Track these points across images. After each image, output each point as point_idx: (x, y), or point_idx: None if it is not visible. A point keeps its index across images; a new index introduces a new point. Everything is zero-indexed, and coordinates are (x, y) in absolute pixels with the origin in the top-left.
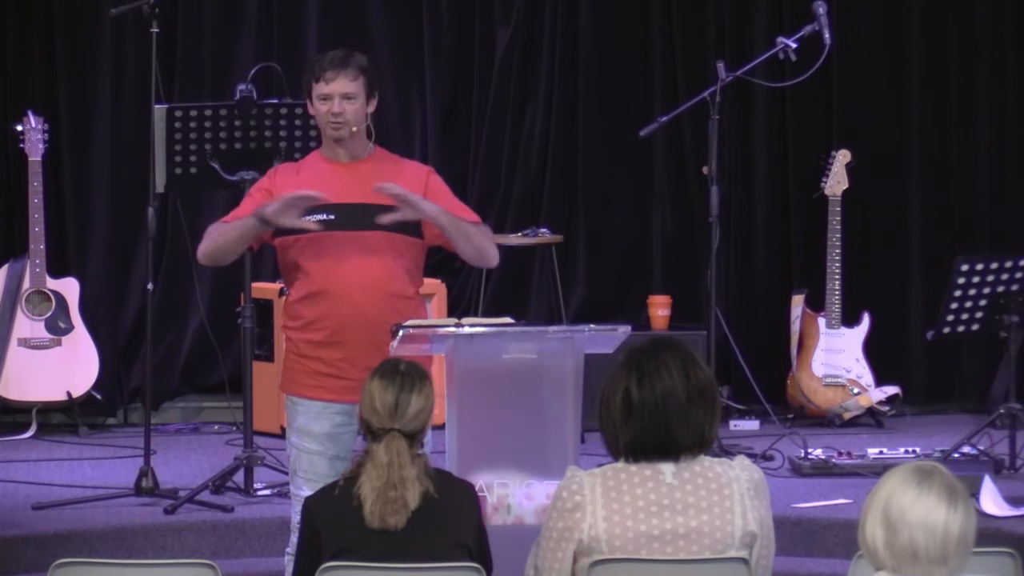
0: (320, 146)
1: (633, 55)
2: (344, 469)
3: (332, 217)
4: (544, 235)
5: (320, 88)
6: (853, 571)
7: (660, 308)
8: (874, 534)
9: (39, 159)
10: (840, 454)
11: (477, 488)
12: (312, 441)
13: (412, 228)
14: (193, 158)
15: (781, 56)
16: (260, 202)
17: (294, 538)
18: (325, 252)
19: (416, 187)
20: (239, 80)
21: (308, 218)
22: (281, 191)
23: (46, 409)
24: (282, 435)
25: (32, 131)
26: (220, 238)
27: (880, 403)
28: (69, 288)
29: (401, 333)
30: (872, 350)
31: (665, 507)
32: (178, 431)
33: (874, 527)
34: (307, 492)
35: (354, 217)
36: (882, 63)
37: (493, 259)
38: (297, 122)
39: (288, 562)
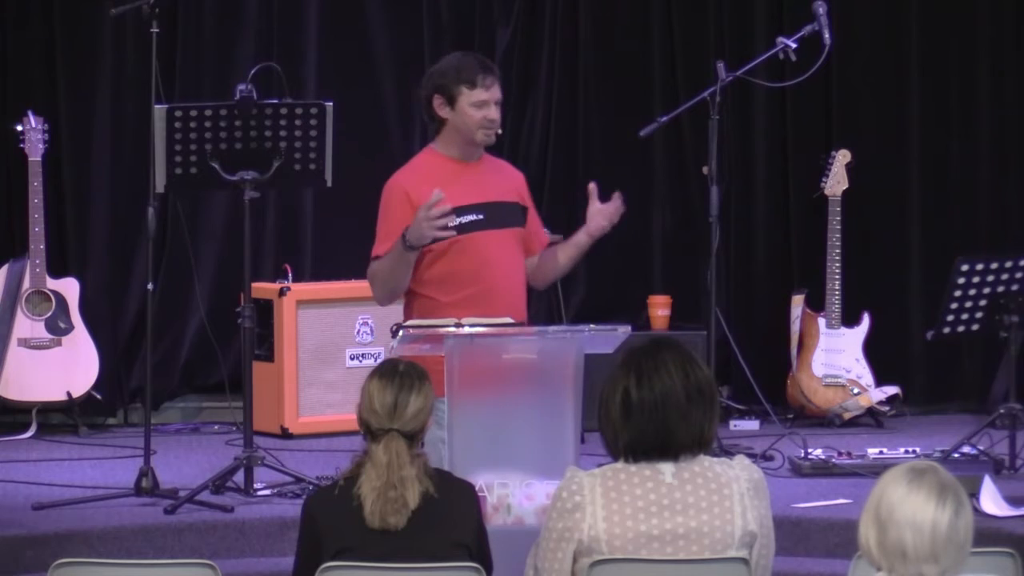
0: (429, 144)
1: (633, 55)
2: None
3: (481, 217)
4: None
5: (478, 95)
6: (853, 571)
7: (660, 308)
8: (867, 534)
9: (39, 159)
10: (840, 454)
11: (477, 488)
12: None
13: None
14: (193, 158)
15: (781, 56)
16: (406, 219)
17: None
18: (478, 253)
19: (520, 184)
20: (239, 80)
21: (459, 219)
22: (421, 198)
23: (46, 409)
24: (282, 435)
25: (32, 131)
26: (385, 280)
27: (880, 403)
28: (69, 288)
29: (401, 333)
30: (872, 350)
31: (665, 507)
32: (178, 431)
33: (867, 527)
34: None
35: (501, 215)
36: (882, 63)
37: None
38: (297, 122)
39: None
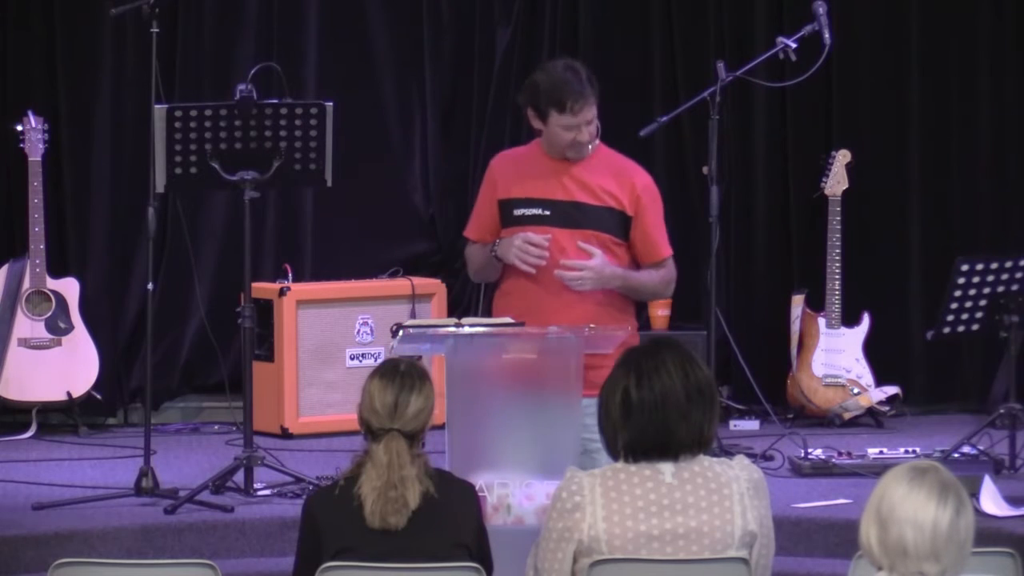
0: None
1: (633, 55)
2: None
3: (547, 213)
4: None
5: (566, 120)
6: (853, 571)
7: (660, 308)
8: (868, 532)
9: (39, 159)
10: (840, 454)
11: (477, 488)
12: None
13: (620, 231)
14: (193, 158)
15: (781, 56)
16: (488, 201)
17: None
18: None
19: (624, 193)
20: (239, 80)
21: (524, 211)
22: (501, 184)
23: (46, 409)
24: (282, 435)
25: (32, 131)
26: (477, 266)
27: (880, 403)
28: (69, 288)
29: (401, 333)
30: (872, 350)
31: (665, 507)
32: (178, 431)
33: (868, 525)
34: None
35: (572, 215)
36: (882, 63)
37: (665, 297)
38: (297, 122)
39: None
